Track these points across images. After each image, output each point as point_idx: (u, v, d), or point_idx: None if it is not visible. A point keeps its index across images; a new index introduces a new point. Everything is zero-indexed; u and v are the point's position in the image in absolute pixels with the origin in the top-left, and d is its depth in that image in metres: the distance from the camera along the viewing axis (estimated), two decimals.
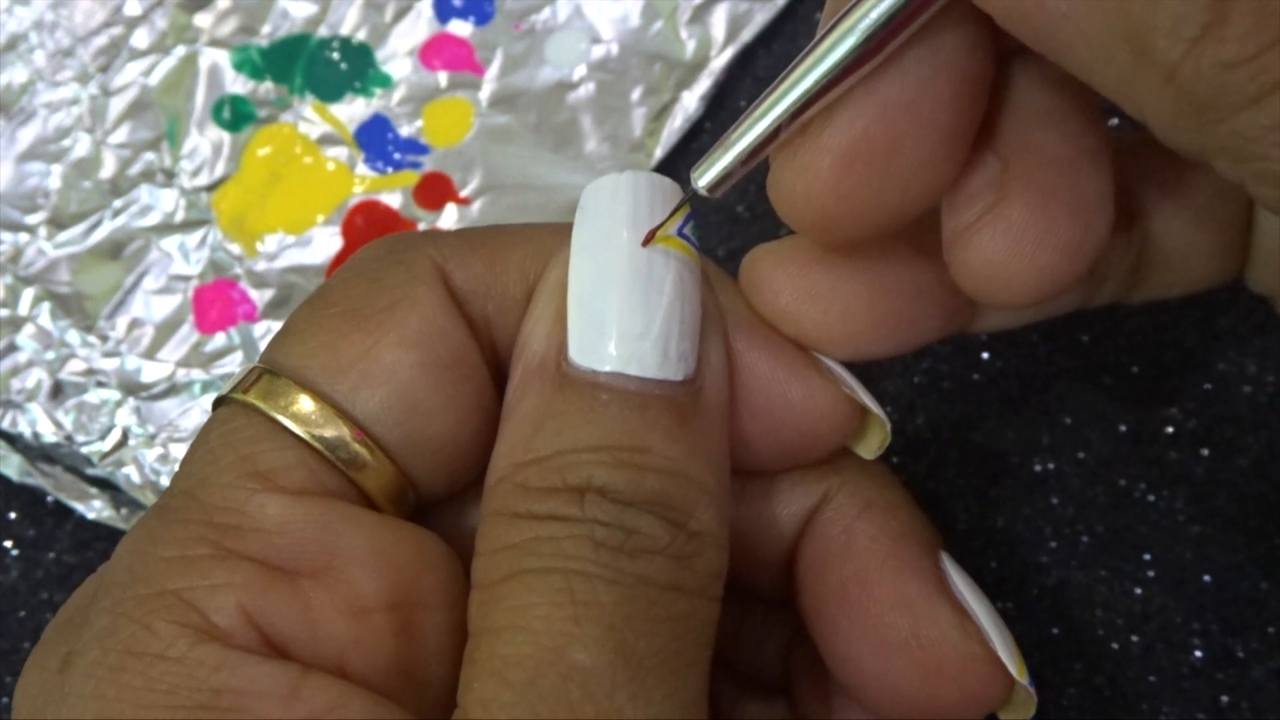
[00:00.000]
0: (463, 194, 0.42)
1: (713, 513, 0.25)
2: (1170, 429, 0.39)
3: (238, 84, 0.43)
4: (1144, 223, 0.30)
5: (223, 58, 0.44)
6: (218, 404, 0.26)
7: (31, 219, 0.42)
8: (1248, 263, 0.31)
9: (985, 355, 0.40)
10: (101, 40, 0.44)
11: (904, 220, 0.26)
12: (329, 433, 0.25)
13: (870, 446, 0.29)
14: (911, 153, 0.25)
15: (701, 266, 0.26)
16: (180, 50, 0.44)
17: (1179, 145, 0.21)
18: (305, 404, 0.25)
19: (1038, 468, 0.39)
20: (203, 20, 0.44)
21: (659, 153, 0.42)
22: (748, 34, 0.43)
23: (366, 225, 0.42)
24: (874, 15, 0.23)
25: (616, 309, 0.25)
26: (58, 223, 0.42)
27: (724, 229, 0.42)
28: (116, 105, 0.43)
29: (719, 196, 0.26)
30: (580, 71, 0.43)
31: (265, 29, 0.44)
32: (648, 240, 0.25)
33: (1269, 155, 0.20)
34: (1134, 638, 0.37)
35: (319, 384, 0.25)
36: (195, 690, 0.22)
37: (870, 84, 0.24)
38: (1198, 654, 0.37)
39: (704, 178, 0.26)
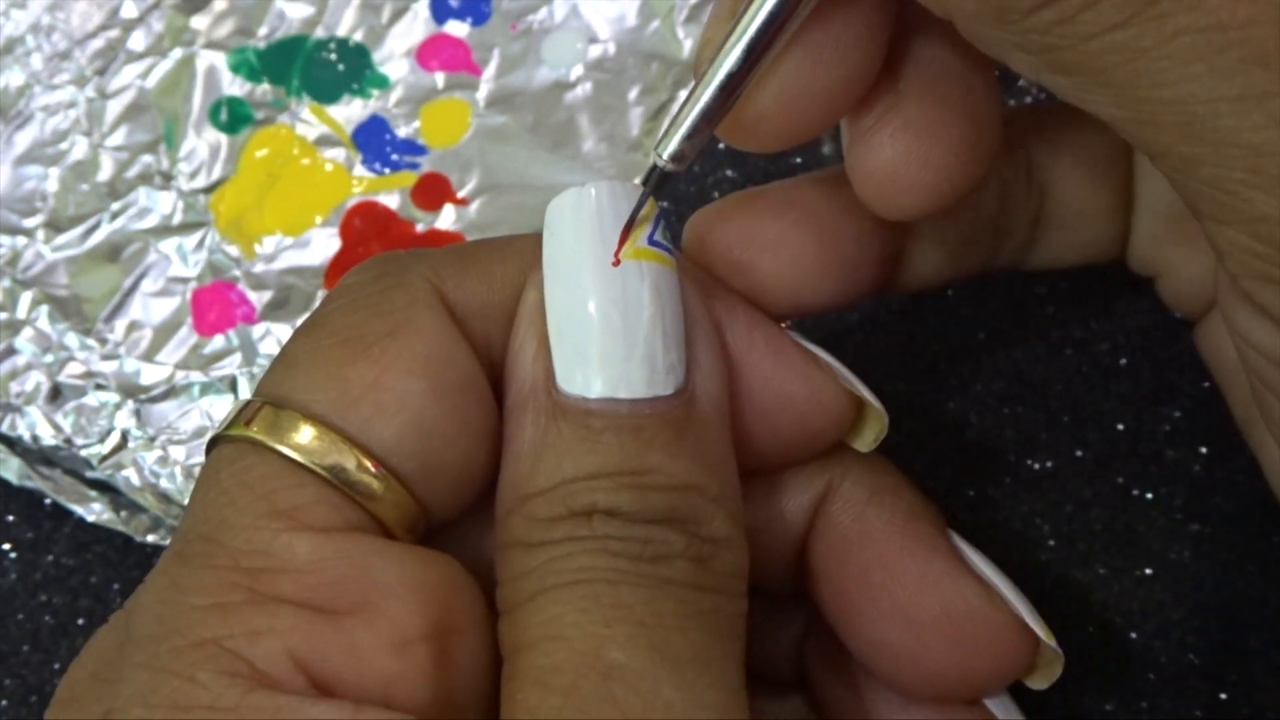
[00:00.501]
0: (460, 194, 0.42)
1: (723, 517, 0.25)
2: (1168, 427, 0.39)
3: (235, 86, 0.43)
4: (1041, 176, 0.32)
5: (219, 60, 0.44)
6: (216, 441, 0.26)
7: (29, 222, 0.42)
8: (1128, 241, 0.34)
9: (984, 355, 0.40)
10: (98, 43, 0.44)
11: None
12: (337, 462, 0.25)
13: (866, 439, 0.29)
14: (834, 75, 0.26)
15: (679, 270, 0.26)
16: (177, 52, 0.44)
17: (982, 41, 0.24)
18: (307, 435, 0.25)
19: (1036, 466, 0.39)
20: (199, 22, 0.44)
21: None
22: None
23: (364, 226, 0.42)
24: None
25: (597, 336, 0.25)
26: (55, 226, 0.42)
27: None
28: (114, 108, 0.43)
29: (683, 169, 0.27)
30: (577, 71, 0.43)
31: (262, 31, 0.44)
32: (617, 257, 0.25)
33: (1058, 45, 0.22)
34: (1132, 635, 0.37)
35: (330, 417, 0.25)
36: None
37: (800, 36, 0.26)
38: (1196, 651, 0.37)
39: (666, 149, 0.26)
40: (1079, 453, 0.39)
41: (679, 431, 0.25)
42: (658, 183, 0.26)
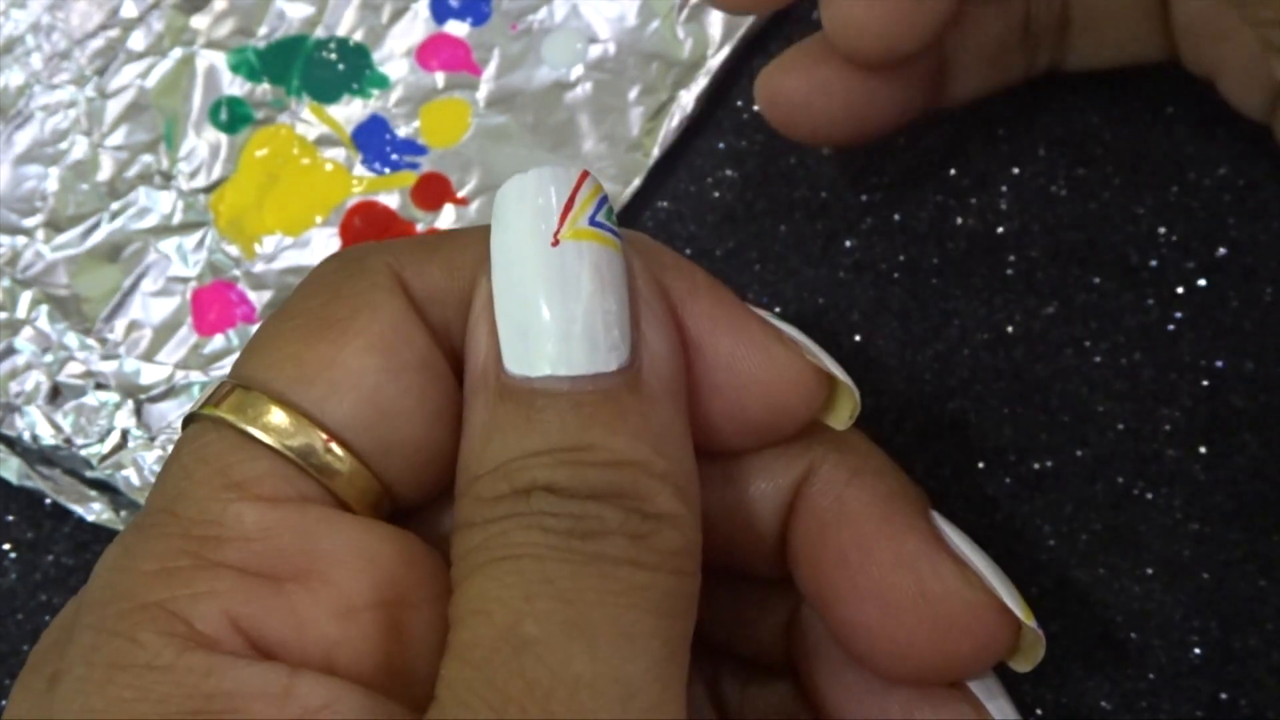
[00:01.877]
0: (461, 194, 0.42)
1: (668, 493, 0.25)
2: (1168, 427, 0.39)
3: (235, 86, 0.43)
4: None
5: (219, 59, 0.44)
6: (189, 421, 0.27)
7: (29, 222, 0.42)
8: (1178, 43, 0.37)
9: (983, 354, 0.40)
10: (98, 43, 0.44)
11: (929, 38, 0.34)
12: (302, 442, 0.25)
13: (841, 416, 0.29)
14: None
15: (625, 251, 0.26)
16: (177, 52, 0.44)
17: None
18: (277, 416, 0.25)
19: (1036, 466, 0.39)
20: (199, 22, 0.44)
21: (656, 151, 0.42)
22: (745, 33, 0.43)
23: (365, 226, 0.42)
24: None
25: (537, 316, 0.25)
26: (55, 225, 0.42)
27: (721, 228, 0.42)
28: (113, 108, 0.43)
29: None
30: (577, 71, 0.43)
31: (262, 30, 0.44)
32: (556, 238, 0.25)
33: None
34: (1132, 635, 0.37)
35: (288, 394, 0.25)
36: (187, 697, 0.23)
37: None
38: (1196, 651, 0.37)
39: None
40: (1079, 452, 0.39)
41: (622, 408, 0.25)
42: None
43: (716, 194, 0.43)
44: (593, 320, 0.25)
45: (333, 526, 0.25)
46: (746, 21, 0.43)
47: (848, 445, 0.30)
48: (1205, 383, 0.39)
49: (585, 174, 0.26)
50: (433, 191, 0.42)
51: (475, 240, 0.27)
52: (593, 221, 0.25)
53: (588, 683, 0.22)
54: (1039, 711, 0.37)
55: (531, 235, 0.25)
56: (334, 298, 0.27)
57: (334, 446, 0.25)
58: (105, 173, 0.43)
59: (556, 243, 0.25)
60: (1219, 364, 0.39)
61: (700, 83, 0.43)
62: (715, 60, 0.43)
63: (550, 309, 0.25)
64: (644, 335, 0.26)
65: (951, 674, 0.29)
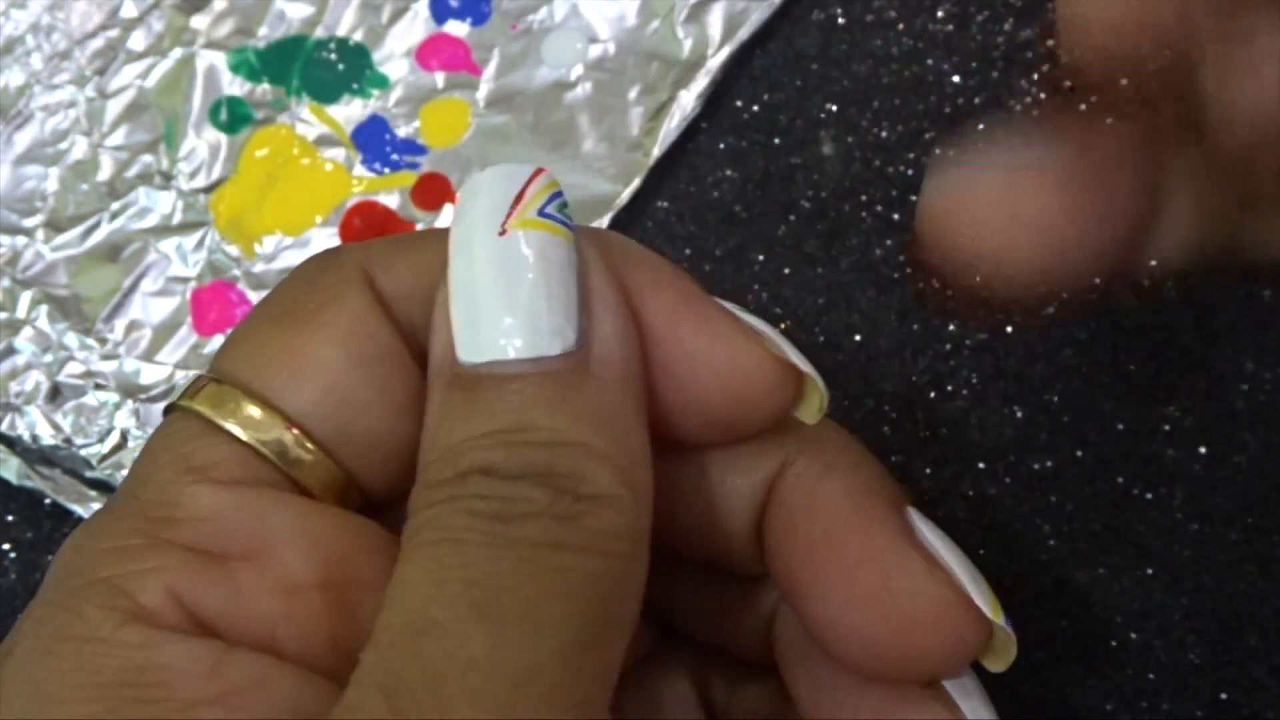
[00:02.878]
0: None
1: (608, 474, 0.24)
2: (1168, 427, 0.39)
3: (235, 86, 0.43)
4: None
5: (219, 59, 0.44)
6: (167, 411, 0.27)
7: (29, 222, 0.42)
8: None
9: (984, 354, 0.40)
10: (98, 43, 0.44)
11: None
12: (270, 435, 0.26)
13: (809, 410, 0.28)
14: None
15: (578, 242, 0.26)
16: (177, 52, 0.44)
17: None
18: (250, 410, 0.26)
19: (1036, 466, 0.39)
20: (199, 22, 0.44)
21: (656, 151, 0.42)
22: (744, 33, 0.43)
23: (364, 226, 0.42)
24: None
25: (484, 301, 0.25)
26: (55, 225, 0.42)
27: (721, 228, 0.42)
28: (113, 108, 0.43)
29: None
30: (577, 71, 0.43)
31: (262, 31, 0.44)
32: (503, 227, 0.25)
33: None
34: (1133, 635, 0.37)
35: (253, 383, 0.26)
36: (119, 669, 0.23)
37: None
38: (1196, 651, 0.37)
39: None
40: (1079, 452, 0.39)
41: (564, 390, 0.25)
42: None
43: (716, 194, 0.43)
44: (535, 305, 0.25)
45: (283, 508, 0.25)
46: (746, 21, 0.43)
47: (824, 440, 0.29)
48: (1205, 383, 0.39)
49: (540, 170, 0.26)
50: (433, 191, 0.42)
51: (442, 240, 0.27)
52: (541, 212, 0.26)
53: (482, 666, 0.22)
54: (1038, 711, 0.37)
55: (482, 226, 0.26)
56: (305, 292, 0.27)
57: (299, 436, 0.26)
58: (105, 173, 0.43)
59: (504, 232, 0.25)
60: (1218, 363, 0.39)
61: (700, 82, 0.43)
62: (715, 60, 0.43)
63: (495, 295, 0.25)
64: (594, 322, 0.26)
65: (921, 672, 0.28)
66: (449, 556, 0.23)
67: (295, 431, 0.26)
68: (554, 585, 0.23)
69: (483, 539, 0.23)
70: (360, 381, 0.26)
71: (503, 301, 0.25)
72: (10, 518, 0.41)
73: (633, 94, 0.43)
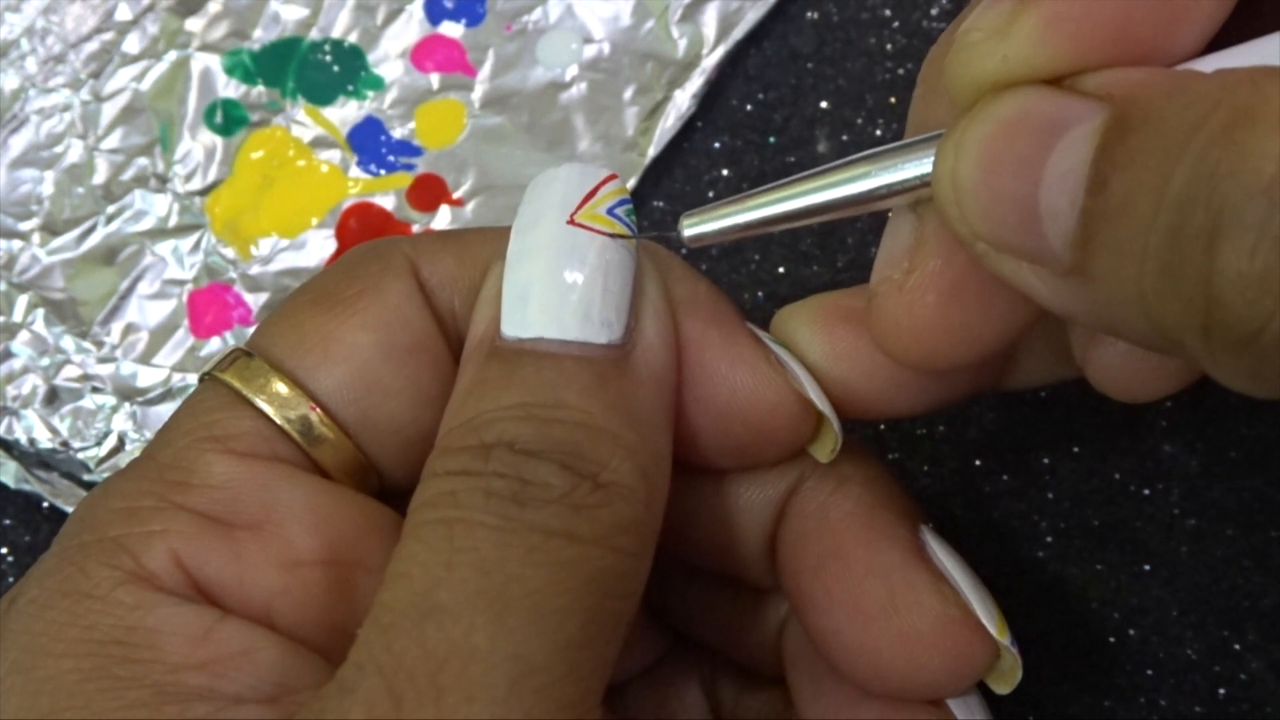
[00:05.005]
0: (456, 195, 0.42)
1: (629, 467, 0.25)
2: (1165, 423, 0.39)
3: (229, 88, 0.43)
4: None
5: (214, 62, 0.44)
6: (200, 380, 0.28)
7: (25, 225, 0.42)
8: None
9: None
10: (93, 46, 0.44)
11: (1008, 345, 0.27)
12: (295, 412, 0.26)
13: (823, 450, 0.29)
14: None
15: (638, 248, 0.27)
16: (172, 55, 0.44)
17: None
18: (278, 386, 0.26)
19: (1033, 463, 0.39)
20: (194, 25, 0.44)
21: (652, 151, 0.42)
22: (739, 32, 0.43)
23: (360, 227, 0.42)
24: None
25: (540, 279, 0.26)
26: (51, 229, 0.42)
27: None
28: (109, 111, 0.43)
29: (696, 247, 0.28)
30: (572, 71, 0.43)
31: (256, 33, 0.44)
32: (572, 218, 0.26)
33: None
34: (1130, 631, 0.37)
35: (283, 361, 0.27)
36: (111, 627, 0.24)
37: None
38: (1194, 647, 0.37)
39: (692, 229, 0.27)
40: (1076, 449, 0.39)
41: (603, 378, 0.25)
42: (664, 237, 0.28)
43: (712, 193, 0.43)
44: (591, 293, 0.26)
45: (294, 484, 0.26)
46: (740, 21, 0.43)
47: (840, 456, 0.29)
48: (1201, 379, 0.39)
49: (613, 175, 0.27)
50: (428, 192, 0.42)
51: (492, 236, 0.28)
52: (610, 212, 0.27)
53: (483, 656, 0.22)
54: (1036, 709, 0.37)
55: (551, 211, 0.26)
56: (346, 278, 0.28)
57: (322, 416, 0.26)
58: (101, 176, 0.43)
59: (572, 221, 0.26)
60: None
61: (696, 82, 0.43)
62: (710, 60, 0.43)
63: (552, 275, 0.26)
64: (641, 325, 0.26)
65: (925, 689, 0.28)
66: (461, 538, 0.23)
67: (318, 411, 0.26)
68: (562, 578, 0.23)
69: (498, 522, 0.23)
70: (390, 369, 0.27)
71: (559, 284, 0.26)
72: (8, 521, 0.41)
73: (628, 94, 0.43)
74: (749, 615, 0.32)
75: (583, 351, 0.25)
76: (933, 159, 0.24)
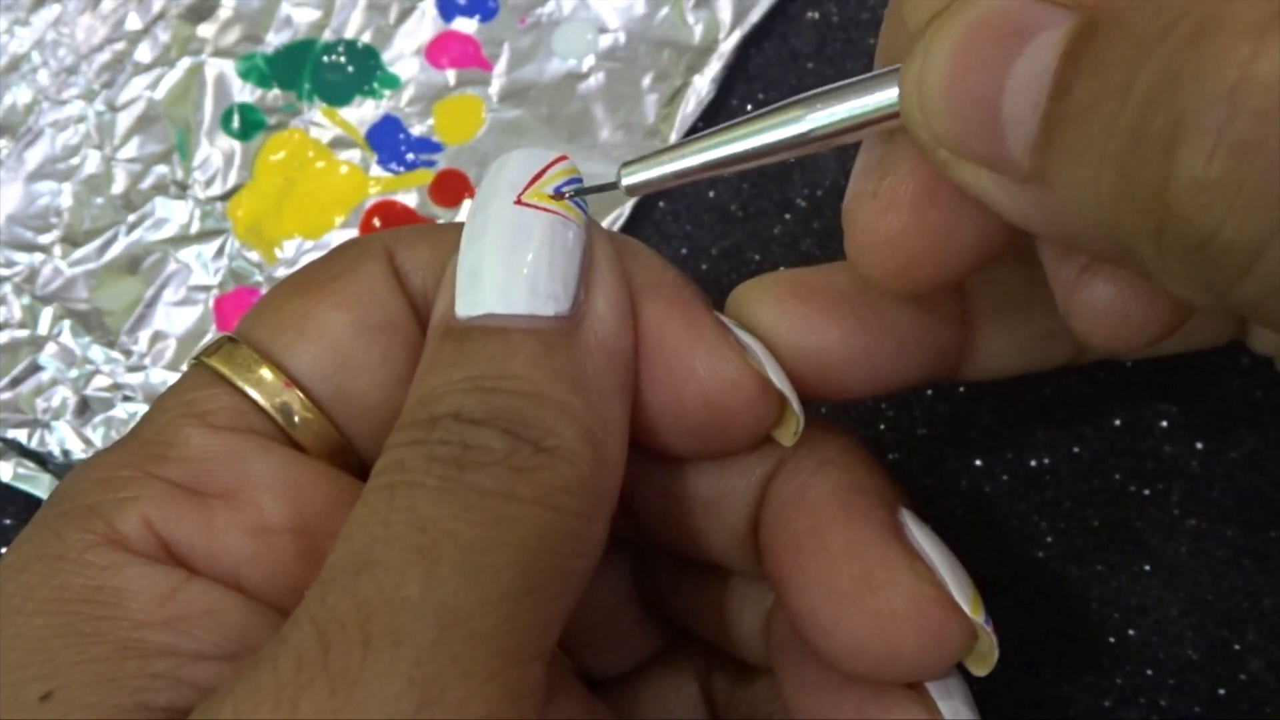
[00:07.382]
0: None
1: (574, 432, 0.25)
2: (1164, 423, 0.40)
3: (245, 92, 0.43)
4: None
5: (228, 67, 0.43)
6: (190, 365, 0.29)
7: (45, 238, 0.42)
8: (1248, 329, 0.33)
9: None
10: (104, 56, 0.42)
11: (980, 263, 0.27)
12: (279, 398, 0.27)
13: (786, 433, 0.29)
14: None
15: (590, 226, 0.27)
16: (185, 62, 0.43)
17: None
18: (262, 370, 0.27)
19: (1033, 463, 0.40)
20: (206, 31, 0.43)
21: (674, 137, 0.42)
22: (755, 15, 0.43)
23: (384, 225, 0.42)
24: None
25: (489, 258, 0.26)
26: (72, 241, 0.42)
27: (717, 228, 0.42)
28: (124, 120, 0.42)
29: (636, 197, 0.28)
30: (589, 62, 0.43)
31: (269, 36, 0.43)
32: (519, 199, 0.27)
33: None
34: (1130, 631, 0.38)
35: (261, 342, 0.28)
36: (81, 587, 0.25)
37: None
38: (1194, 648, 0.38)
39: (631, 178, 0.27)
40: (1076, 449, 0.40)
41: (549, 349, 0.26)
42: (602, 188, 0.28)
43: (712, 193, 0.43)
44: (537, 268, 0.26)
45: (266, 455, 0.27)
46: (756, 4, 0.43)
47: (821, 435, 0.30)
48: (1201, 379, 0.40)
49: (562, 157, 0.28)
50: (451, 188, 0.42)
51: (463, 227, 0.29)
52: (557, 191, 0.27)
53: (413, 605, 0.22)
54: (1036, 709, 0.38)
55: (500, 195, 0.27)
56: (326, 265, 0.29)
57: (302, 399, 0.27)
58: (119, 185, 0.42)
59: (519, 201, 0.27)
60: (1214, 359, 0.40)
61: (714, 66, 0.43)
62: (727, 44, 0.43)
63: (500, 253, 0.26)
64: (590, 298, 0.27)
65: (902, 669, 0.28)
66: (400, 499, 0.24)
67: (301, 397, 0.27)
68: (497, 534, 0.24)
69: (438, 483, 0.24)
70: (363, 346, 0.28)
71: (506, 262, 0.26)
72: (8, 521, 0.41)
73: (646, 81, 0.43)
74: (737, 604, 0.32)
75: (529, 324, 0.26)
76: (853, 102, 0.25)
